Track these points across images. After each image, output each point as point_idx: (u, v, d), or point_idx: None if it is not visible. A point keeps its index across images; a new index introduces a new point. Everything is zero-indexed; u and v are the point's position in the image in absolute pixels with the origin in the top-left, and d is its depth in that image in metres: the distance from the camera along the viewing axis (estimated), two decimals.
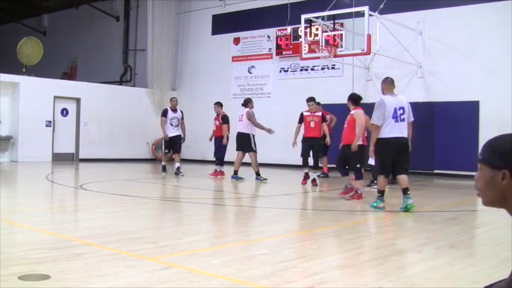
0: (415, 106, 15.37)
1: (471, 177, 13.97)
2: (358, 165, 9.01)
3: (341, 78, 17.02)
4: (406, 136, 7.63)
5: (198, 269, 3.98)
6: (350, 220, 7.10)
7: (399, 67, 15.51)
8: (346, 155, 9.17)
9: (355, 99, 9.30)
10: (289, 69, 18.34)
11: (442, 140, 14.99)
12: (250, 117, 12.29)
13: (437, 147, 15.08)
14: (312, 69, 17.71)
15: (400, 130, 7.54)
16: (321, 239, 5.67)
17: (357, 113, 9.07)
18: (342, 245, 5.22)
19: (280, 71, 18.58)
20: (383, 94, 7.88)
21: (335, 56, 13.62)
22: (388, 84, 7.91)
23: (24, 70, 18.02)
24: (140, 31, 22.19)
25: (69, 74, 25.08)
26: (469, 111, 14.54)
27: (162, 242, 5.11)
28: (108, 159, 18.96)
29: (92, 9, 23.98)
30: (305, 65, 17.74)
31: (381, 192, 7.76)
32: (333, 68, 17.23)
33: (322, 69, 17.42)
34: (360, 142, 8.96)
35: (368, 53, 13.25)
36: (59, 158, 17.99)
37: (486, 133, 14.06)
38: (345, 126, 9.26)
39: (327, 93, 17.02)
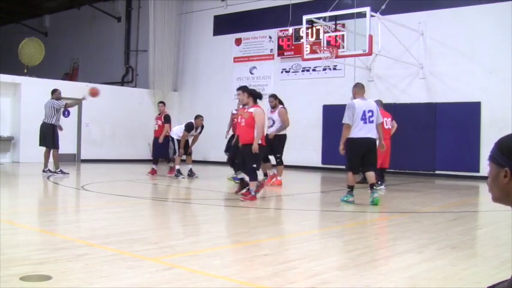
0: (417, 107, 15.52)
1: (473, 178, 14.01)
2: (254, 166, 8.44)
3: (343, 79, 17.02)
4: (373, 137, 8.33)
5: (199, 269, 3.98)
6: (351, 221, 7.10)
7: (401, 68, 15.52)
8: (244, 155, 8.56)
9: (255, 95, 8.67)
10: (291, 70, 18.34)
11: (443, 140, 14.98)
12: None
13: (438, 148, 15.07)
14: (314, 70, 17.71)
15: (368, 131, 8.21)
16: (323, 240, 5.67)
17: (257, 111, 8.47)
18: (344, 246, 5.22)
19: (282, 72, 18.58)
20: (354, 98, 8.47)
21: (337, 56, 13.63)
22: (359, 89, 8.53)
23: (25, 71, 18.04)
24: (142, 32, 22.20)
25: (71, 75, 25.09)
26: (470, 112, 14.53)
27: (164, 242, 5.12)
28: (110, 160, 18.98)
29: (94, 9, 24.00)
30: (307, 66, 17.74)
31: (350, 188, 8.34)
32: (334, 69, 17.23)
33: (324, 70, 17.42)
34: (259, 141, 8.38)
35: (370, 53, 13.26)
36: (60, 159, 17.85)
37: (487, 134, 14.06)
38: (242, 124, 8.53)
39: (328, 94, 17.04)
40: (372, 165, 8.36)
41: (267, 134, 10.55)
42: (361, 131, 8.12)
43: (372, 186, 8.18)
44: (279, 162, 11.32)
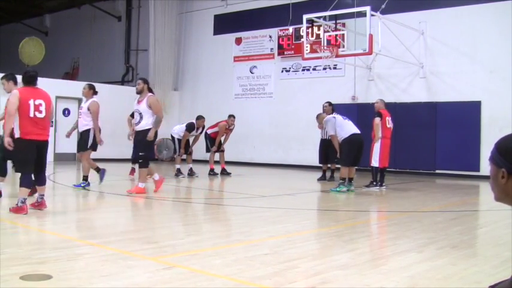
0: (417, 106, 15.51)
1: (473, 177, 14.01)
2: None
3: (343, 78, 17.02)
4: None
5: (200, 269, 3.98)
6: (352, 220, 7.10)
7: (401, 67, 15.51)
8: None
9: (23, 80, 6.87)
10: (291, 69, 18.33)
11: (443, 140, 14.98)
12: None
13: (439, 147, 15.07)
14: (314, 69, 17.71)
15: (356, 128, 10.07)
16: (323, 239, 5.67)
17: (14, 93, 6.67)
18: (344, 245, 5.22)
19: (282, 71, 18.58)
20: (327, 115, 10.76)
21: (337, 56, 13.62)
22: (327, 109, 11.22)
23: None
24: (142, 31, 22.21)
25: (71, 74, 25.11)
26: (470, 111, 14.53)
27: (164, 242, 5.12)
28: (110, 159, 18.96)
29: (94, 9, 24.00)
30: (307, 65, 17.73)
31: (343, 179, 9.94)
32: (334, 68, 17.23)
33: (324, 69, 17.41)
34: (17, 135, 6.45)
35: (370, 53, 13.25)
36: (60, 158, 18.01)
37: (488, 133, 14.06)
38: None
39: (328, 93, 17.01)
40: (359, 160, 10.04)
41: (135, 131, 9.13)
42: (352, 128, 9.87)
43: (350, 179, 10.02)
44: (142, 163, 9.01)
